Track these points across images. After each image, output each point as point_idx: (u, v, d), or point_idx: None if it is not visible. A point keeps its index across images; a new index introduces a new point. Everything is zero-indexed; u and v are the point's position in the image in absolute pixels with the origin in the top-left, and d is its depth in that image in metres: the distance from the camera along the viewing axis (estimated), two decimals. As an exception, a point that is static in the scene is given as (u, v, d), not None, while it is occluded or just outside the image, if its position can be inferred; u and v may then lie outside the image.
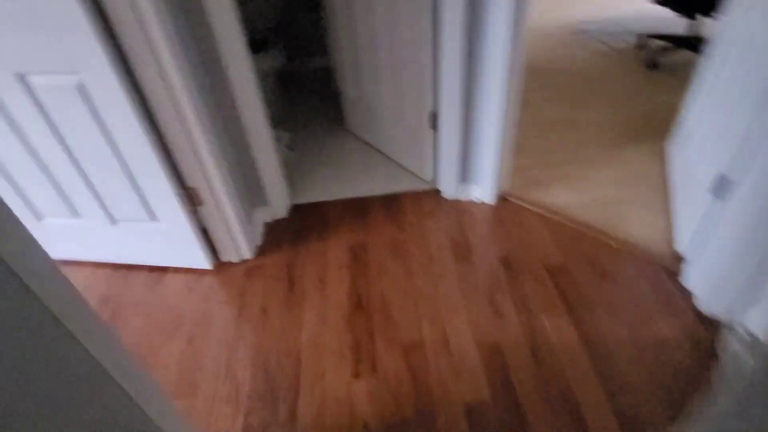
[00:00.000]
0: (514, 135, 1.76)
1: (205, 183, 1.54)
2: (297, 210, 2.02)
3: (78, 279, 1.80)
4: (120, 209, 1.60)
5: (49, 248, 1.83)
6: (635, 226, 1.76)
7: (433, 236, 1.82)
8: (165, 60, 1.24)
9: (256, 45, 2.47)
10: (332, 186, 2.11)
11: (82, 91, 1.28)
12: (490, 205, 1.94)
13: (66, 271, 1.84)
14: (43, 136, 1.41)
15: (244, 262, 1.79)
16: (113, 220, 1.65)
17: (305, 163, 2.26)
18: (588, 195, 1.93)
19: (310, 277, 1.70)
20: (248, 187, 1.84)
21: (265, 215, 1.94)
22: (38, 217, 1.71)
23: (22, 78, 1.28)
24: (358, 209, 1.99)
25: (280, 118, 2.63)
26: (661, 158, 2.09)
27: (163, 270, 1.79)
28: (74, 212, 1.66)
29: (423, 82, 1.74)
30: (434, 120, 1.83)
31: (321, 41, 3.03)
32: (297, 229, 1.92)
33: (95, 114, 1.33)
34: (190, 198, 1.58)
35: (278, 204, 1.93)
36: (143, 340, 1.54)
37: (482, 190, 1.92)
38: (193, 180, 1.53)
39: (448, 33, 1.52)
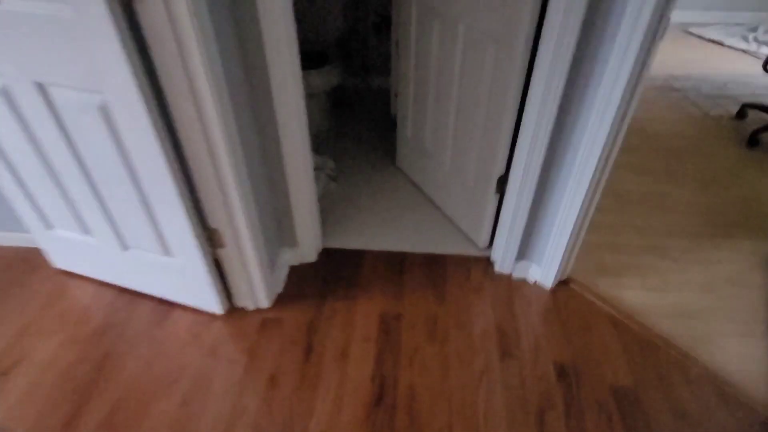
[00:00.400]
0: (592, 216, 1.48)
1: (229, 225, 1.33)
2: (328, 255, 1.80)
3: (81, 296, 1.64)
4: (132, 237, 1.42)
5: (56, 258, 1.67)
6: (726, 353, 1.45)
7: (478, 319, 1.56)
8: (201, 86, 1.04)
9: (313, 58, 2.28)
10: (371, 232, 1.88)
11: (104, 111, 1.09)
12: (548, 290, 1.66)
13: (70, 284, 1.68)
14: (58, 148, 1.24)
15: (261, 311, 1.58)
16: (124, 246, 1.47)
17: (345, 199, 2.04)
18: (668, 298, 1.63)
19: (331, 347, 1.47)
20: (278, 224, 1.63)
21: (291, 257, 1.73)
22: (48, 225, 1.55)
23: (41, 88, 1.11)
24: (396, 266, 1.75)
25: (326, 143, 2.42)
26: (764, 266, 1.76)
27: (171, 305, 1.60)
28: (85, 229, 1.49)
29: (497, 143, 1.49)
30: (502, 185, 1.57)
31: (384, 61, 2.81)
32: (325, 279, 1.70)
33: (115, 136, 1.14)
34: (211, 239, 1.38)
35: (308, 246, 1.71)
36: (134, 392, 1.35)
37: (542, 272, 1.64)
38: (216, 221, 1.33)
39: (540, 101, 1.26)
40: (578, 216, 1.43)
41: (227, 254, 1.41)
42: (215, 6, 1.04)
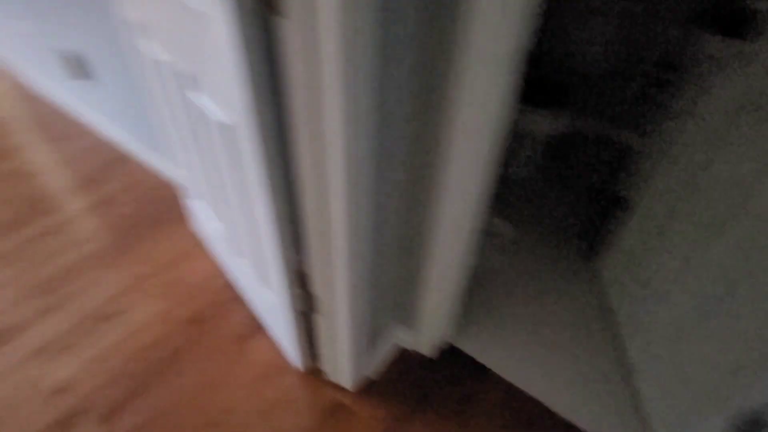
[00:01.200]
0: None
1: (327, 298, 1.03)
2: (449, 356, 1.38)
3: (198, 272, 1.58)
4: (245, 250, 1.24)
5: (195, 222, 1.64)
6: None
7: None
8: (332, 138, 0.71)
9: (541, 91, 1.77)
10: (519, 351, 1.38)
11: (228, 130, 0.86)
12: None
13: (196, 254, 1.64)
14: (191, 130, 1.09)
15: (340, 389, 1.28)
16: (239, 252, 1.31)
17: (509, 285, 1.56)
18: None
19: (388, 496, 1.09)
20: (398, 293, 1.28)
21: (403, 337, 1.37)
22: (189, 193, 1.50)
23: (195, 80, 0.93)
24: (527, 421, 1.24)
25: (513, 200, 1.91)
26: None
27: (259, 328, 1.42)
28: (217, 214, 1.38)
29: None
30: (752, 428, 0.90)
31: (637, 114, 2.10)
32: (428, 391, 1.30)
33: (236, 153, 0.92)
34: (307, 300, 1.10)
35: (428, 335, 1.32)
36: (174, 414, 1.21)
37: None
38: (315, 286, 1.04)
39: None
40: None
41: (320, 322, 1.13)
42: (391, 16, 0.68)
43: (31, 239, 1.68)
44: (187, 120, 1.11)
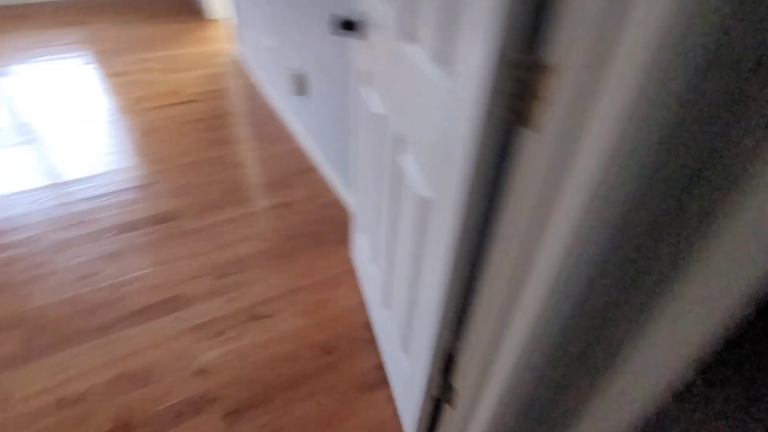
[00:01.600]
0: None
1: (469, 399, 0.93)
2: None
3: (344, 301, 1.61)
4: (394, 306, 1.21)
5: (355, 251, 1.68)
6: None
7: None
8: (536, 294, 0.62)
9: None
10: None
11: (423, 201, 0.83)
12: None
13: (347, 282, 1.68)
14: (386, 182, 1.09)
15: (445, 487, 1.16)
16: (386, 304, 1.29)
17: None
18: None
19: None
20: (542, 418, 1.11)
21: (533, 460, 1.19)
22: (359, 228, 1.53)
23: (399, 140, 0.93)
24: None
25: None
26: None
27: (383, 383, 1.37)
28: (375, 254, 1.38)
29: None
30: None
31: None
32: None
33: (422, 224, 0.88)
34: (444, 388, 1.01)
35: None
36: (288, 437, 1.23)
37: None
38: (459, 382, 0.94)
39: None
40: None
41: (449, 412, 1.03)
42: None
43: (220, 223, 1.92)
44: (381, 169, 1.13)
